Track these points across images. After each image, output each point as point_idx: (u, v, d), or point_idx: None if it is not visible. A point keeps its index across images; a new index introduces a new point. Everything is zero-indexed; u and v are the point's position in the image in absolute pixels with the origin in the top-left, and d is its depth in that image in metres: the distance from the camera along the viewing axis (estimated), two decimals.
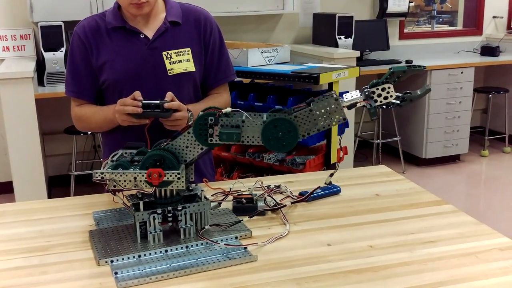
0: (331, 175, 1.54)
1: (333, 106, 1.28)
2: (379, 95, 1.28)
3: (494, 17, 5.78)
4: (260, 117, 1.29)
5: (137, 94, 1.66)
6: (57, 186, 4.45)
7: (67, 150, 4.38)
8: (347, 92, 1.32)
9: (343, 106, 1.29)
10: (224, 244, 1.31)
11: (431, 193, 1.70)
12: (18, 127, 3.60)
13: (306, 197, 1.60)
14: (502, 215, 4.02)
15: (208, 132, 1.29)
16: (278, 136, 1.26)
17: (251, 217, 1.47)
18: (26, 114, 3.60)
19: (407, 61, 4.94)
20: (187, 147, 1.33)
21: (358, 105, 1.30)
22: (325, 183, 1.47)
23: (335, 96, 1.29)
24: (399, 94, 1.30)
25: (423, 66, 1.31)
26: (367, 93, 1.28)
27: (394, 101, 1.29)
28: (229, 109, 1.30)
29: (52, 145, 4.47)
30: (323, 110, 1.28)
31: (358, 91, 1.30)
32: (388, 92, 1.28)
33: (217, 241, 1.33)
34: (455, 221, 1.49)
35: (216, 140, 1.29)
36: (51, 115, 4.28)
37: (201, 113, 1.30)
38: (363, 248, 1.33)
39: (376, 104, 1.29)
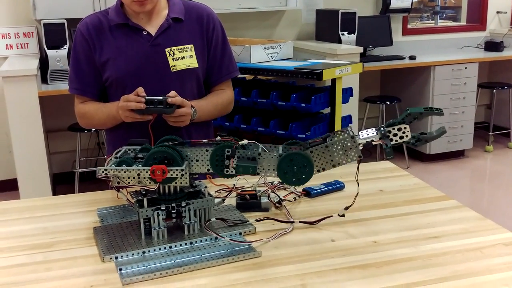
0: (346, 208, 1.53)
1: (349, 144, 1.29)
2: (395, 135, 1.29)
3: (498, 12, 5.75)
4: (276, 150, 1.31)
5: (140, 90, 1.66)
6: (61, 183, 4.46)
7: (71, 147, 4.40)
8: (364, 130, 1.32)
9: (359, 144, 1.29)
10: (230, 240, 1.31)
11: (435, 188, 1.70)
12: (22, 125, 3.61)
13: (317, 221, 1.55)
14: (507, 210, 4.01)
15: (225, 163, 1.30)
16: (294, 170, 1.27)
17: (258, 221, 1.46)
18: (30, 111, 3.61)
19: (410, 57, 4.92)
20: (197, 160, 1.33)
21: (374, 143, 1.30)
22: (338, 215, 1.48)
23: (351, 133, 1.29)
24: (415, 134, 1.31)
25: (441, 110, 1.30)
26: (383, 132, 1.29)
27: (409, 140, 1.30)
28: (246, 141, 1.32)
29: (56, 142, 4.48)
30: (339, 147, 1.29)
31: (374, 129, 1.31)
32: (404, 132, 1.29)
33: (222, 236, 1.33)
34: (459, 217, 1.48)
35: (232, 171, 1.30)
36: (55, 113, 4.29)
37: (217, 145, 1.31)
38: (367, 244, 1.33)
39: (392, 143, 1.29)
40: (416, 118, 1.28)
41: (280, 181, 1.70)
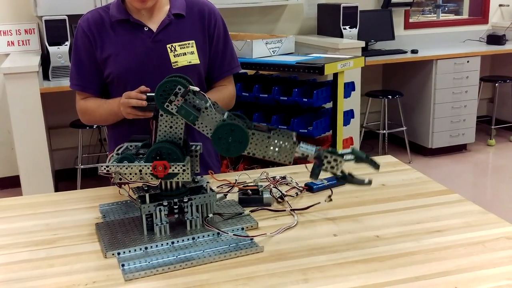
0: (329, 197, 1.58)
1: (288, 146, 1.30)
2: (329, 162, 1.31)
3: (500, 5, 5.73)
4: (221, 113, 1.30)
5: (143, 87, 1.66)
6: (63, 180, 4.47)
7: (73, 144, 4.40)
8: (305, 144, 1.34)
9: (296, 152, 1.30)
10: (233, 235, 1.32)
11: (437, 182, 1.69)
12: (24, 122, 3.61)
13: (308, 207, 1.58)
14: (509, 204, 4.01)
15: (170, 98, 1.28)
16: (228, 140, 1.27)
17: (252, 211, 1.47)
18: (32, 108, 3.61)
19: (412, 51, 4.91)
20: (170, 127, 1.32)
21: (308, 159, 1.32)
22: (325, 201, 1.52)
23: (294, 139, 1.31)
24: (344, 172, 1.33)
25: (378, 165, 1.34)
26: (320, 154, 1.31)
27: (337, 173, 1.32)
28: (197, 88, 1.30)
29: (58, 139, 4.48)
30: (278, 144, 1.30)
31: (315, 147, 1.33)
32: (337, 165, 1.31)
33: (224, 231, 1.33)
34: (461, 210, 1.48)
35: (172, 109, 1.28)
36: (56, 109, 4.29)
37: (170, 77, 1.30)
38: (370, 238, 1.33)
39: (322, 167, 1.31)
40: (355, 159, 1.31)
41: (282, 175, 1.71)
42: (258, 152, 1.30)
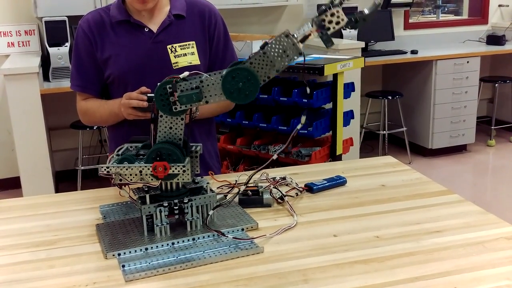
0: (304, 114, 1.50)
1: (285, 44, 1.26)
2: (330, 22, 1.25)
3: (499, 5, 5.73)
4: (220, 74, 1.28)
5: (143, 88, 1.66)
6: (64, 181, 4.47)
7: (73, 145, 4.40)
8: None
9: (297, 41, 1.27)
10: (232, 238, 1.32)
11: (437, 183, 1.70)
12: (24, 123, 3.62)
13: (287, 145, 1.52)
14: (509, 204, 4.01)
15: (170, 100, 1.28)
16: (239, 86, 1.25)
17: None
18: (32, 109, 3.62)
19: (412, 51, 4.91)
20: (170, 128, 1.33)
21: (312, 36, 1.26)
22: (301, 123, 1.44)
23: (286, 33, 1.26)
24: (351, 16, 1.26)
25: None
26: (317, 22, 1.25)
27: (347, 24, 1.25)
28: (186, 73, 1.29)
29: (59, 140, 4.49)
30: (276, 49, 1.26)
31: (309, 22, 1.26)
32: (338, 17, 1.24)
33: (224, 233, 1.33)
34: (461, 211, 1.48)
35: (179, 107, 1.28)
36: (57, 110, 4.30)
37: (159, 85, 1.30)
38: (369, 239, 1.33)
39: (330, 31, 1.25)
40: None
41: (282, 176, 1.71)
42: (270, 72, 1.26)
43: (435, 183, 1.70)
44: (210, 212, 1.37)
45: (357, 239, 1.33)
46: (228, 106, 1.95)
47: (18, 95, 3.58)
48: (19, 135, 3.63)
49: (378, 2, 1.27)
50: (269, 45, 1.26)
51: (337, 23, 1.24)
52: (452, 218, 1.44)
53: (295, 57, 1.26)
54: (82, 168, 4.17)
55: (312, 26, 1.25)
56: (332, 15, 1.24)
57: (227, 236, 1.32)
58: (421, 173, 1.79)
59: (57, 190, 4.09)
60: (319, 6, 1.14)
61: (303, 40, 1.27)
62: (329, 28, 1.25)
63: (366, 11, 1.26)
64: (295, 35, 1.26)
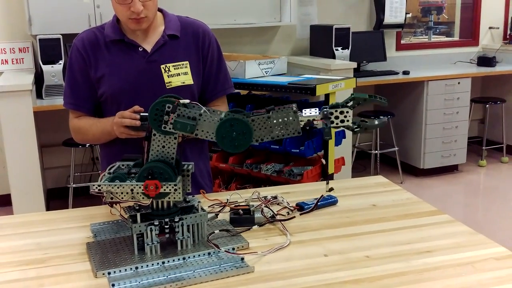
0: (329, 188, 1.56)
1: (291, 118, 1.30)
2: (337, 117, 1.31)
3: (490, 27, 5.82)
4: (218, 114, 1.31)
5: (136, 107, 1.67)
6: (55, 199, 4.45)
7: (65, 162, 4.39)
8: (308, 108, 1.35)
9: (300, 121, 1.31)
10: (225, 251, 1.32)
11: (427, 203, 1.71)
12: (16, 140, 3.61)
13: (316, 205, 1.57)
14: (500, 225, 4.02)
15: (164, 118, 1.29)
16: (232, 135, 1.27)
17: (261, 225, 1.48)
18: (25, 126, 3.61)
19: (404, 72, 4.96)
20: (163, 147, 1.33)
21: (315, 123, 1.32)
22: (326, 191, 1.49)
23: (294, 109, 1.31)
24: (355, 121, 1.33)
25: (385, 100, 1.35)
26: (325, 113, 1.31)
27: (349, 125, 1.32)
28: (187, 100, 1.31)
29: (51, 157, 4.47)
30: (280, 120, 1.30)
31: (317, 109, 1.32)
32: (345, 116, 1.31)
33: (215, 251, 1.33)
34: (451, 231, 1.49)
35: (169, 128, 1.29)
36: (49, 128, 4.29)
37: (158, 99, 1.31)
38: (360, 259, 1.33)
39: (332, 125, 1.31)
40: (360, 103, 1.31)
41: (274, 195, 1.72)
42: (265, 136, 1.29)
43: (425, 203, 1.71)
44: (216, 231, 1.37)
45: (348, 258, 1.34)
46: None
47: (11, 112, 3.57)
48: (11, 152, 3.61)
49: (385, 120, 1.33)
50: (275, 112, 1.30)
51: (342, 121, 1.31)
52: (442, 238, 1.45)
53: (293, 134, 1.31)
54: (74, 185, 4.15)
55: (319, 113, 1.31)
56: (342, 113, 1.31)
57: (220, 249, 1.32)
58: (412, 193, 1.80)
59: (48, 208, 4.06)
60: (333, 106, 1.21)
61: (306, 123, 1.32)
62: (333, 122, 1.31)
63: (375, 122, 1.34)
64: (302, 114, 1.30)
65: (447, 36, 6.49)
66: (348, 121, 1.31)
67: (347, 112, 1.30)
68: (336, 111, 1.30)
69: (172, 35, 1.85)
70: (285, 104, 1.32)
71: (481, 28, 5.80)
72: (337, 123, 1.31)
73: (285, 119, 1.29)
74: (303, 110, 1.32)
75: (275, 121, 1.29)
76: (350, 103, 1.31)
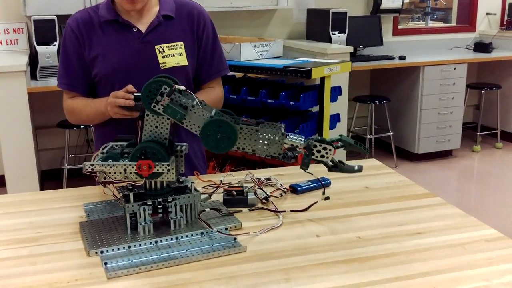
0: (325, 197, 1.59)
1: (277, 138, 1.32)
2: (319, 151, 1.33)
3: (487, 14, 5.80)
4: (209, 111, 1.31)
5: (130, 87, 1.66)
6: (49, 180, 4.45)
7: (59, 144, 4.38)
8: (293, 134, 1.37)
9: (285, 143, 1.32)
10: (217, 231, 1.33)
11: (420, 186, 1.71)
12: (10, 121, 3.59)
13: (307, 208, 1.58)
14: (493, 209, 4.05)
15: (156, 98, 1.29)
16: (217, 136, 1.28)
17: (251, 210, 1.49)
18: (19, 108, 3.59)
19: (400, 57, 4.95)
20: (156, 127, 1.33)
21: (298, 149, 1.34)
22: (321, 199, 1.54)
23: (283, 130, 1.33)
24: (335, 160, 1.35)
25: (367, 149, 1.38)
26: (310, 143, 1.33)
27: (327, 162, 1.34)
28: (183, 87, 1.31)
29: (45, 139, 4.46)
30: (266, 137, 1.32)
31: (303, 137, 1.35)
32: (327, 153, 1.33)
33: (208, 231, 1.34)
34: (443, 213, 1.50)
35: (159, 109, 1.29)
36: (43, 109, 4.28)
37: (156, 78, 1.31)
38: (352, 239, 1.34)
39: (312, 157, 1.33)
40: (344, 146, 1.34)
41: (267, 177, 1.72)
42: (247, 147, 1.31)
43: (418, 186, 1.71)
44: (207, 209, 1.38)
45: (339, 239, 1.34)
46: (216, 107, 1.95)
47: (5, 93, 3.55)
48: (5, 133, 3.60)
49: (361, 168, 1.38)
50: (265, 128, 1.31)
51: (322, 156, 1.33)
52: (434, 220, 1.46)
53: (273, 154, 1.33)
54: (68, 167, 4.15)
55: (303, 142, 1.33)
56: (324, 149, 1.33)
57: (213, 229, 1.33)
58: (404, 176, 1.81)
59: (42, 189, 4.05)
60: (319, 140, 1.23)
61: (289, 148, 1.34)
62: (313, 154, 1.33)
63: (354, 168, 1.37)
64: (288, 139, 1.32)
65: (444, 22, 6.47)
66: (328, 158, 1.33)
67: (330, 150, 1.32)
68: (320, 145, 1.33)
69: (166, 15, 1.83)
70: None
71: (478, 14, 5.78)
72: (316, 156, 1.33)
73: (272, 137, 1.31)
74: (289, 135, 1.34)
75: (261, 136, 1.31)
76: (337, 144, 1.33)
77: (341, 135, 1.35)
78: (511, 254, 1.26)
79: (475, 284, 1.13)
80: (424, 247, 1.30)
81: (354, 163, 1.96)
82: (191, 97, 1.32)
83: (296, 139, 1.33)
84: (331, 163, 1.34)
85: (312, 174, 1.44)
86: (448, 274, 1.17)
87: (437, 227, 1.41)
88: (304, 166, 1.33)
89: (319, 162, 1.34)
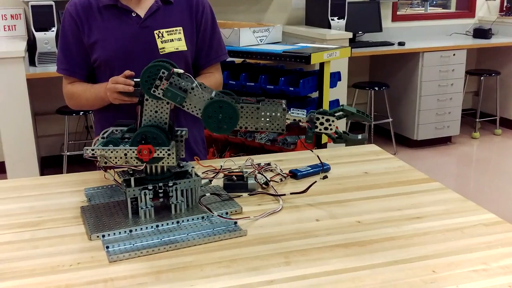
0: (324, 175, 1.60)
1: (278, 114, 1.32)
2: (322, 123, 1.33)
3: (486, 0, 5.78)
4: (209, 93, 1.31)
5: (129, 72, 1.66)
6: (49, 167, 4.45)
7: (59, 130, 4.38)
8: (297, 109, 1.36)
9: (287, 119, 1.32)
10: (218, 215, 1.34)
11: (419, 171, 1.72)
12: (9, 108, 3.59)
13: (305, 190, 1.59)
14: (491, 195, 4.07)
15: (155, 83, 1.29)
16: (219, 117, 1.28)
17: (251, 194, 1.49)
18: (18, 94, 3.59)
19: (399, 43, 4.94)
20: (156, 112, 1.34)
21: (301, 124, 1.34)
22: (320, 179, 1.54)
23: (284, 106, 1.33)
24: (338, 131, 1.35)
25: (370, 117, 1.38)
26: (312, 116, 1.33)
27: (331, 134, 1.34)
28: (181, 70, 1.31)
29: (44, 125, 4.46)
30: (268, 113, 1.32)
31: (305, 111, 1.34)
32: (330, 124, 1.33)
33: (209, 215, 1.35)
34: (442, 198, 1.51)
35: (158, 94, 1.29)
36: (43, 96, 4.27)
37: (153, 62, 1.31)
38: (351, 224, 1.35)
39: (315, 130, 1.33)
40: (347, 116, 1.34)
41: (267, 162, 1.73)
42: (250, 125, 1.31)
43: (417, 171, 1.72)
44: (207, 194, 1.38)
45: (339, 223, 1.35)
46: (217, 88, 1.96)
47: (4, 79, 3.55)
48: (4, 120, 3.60)
49: (365, 138, 1.36)
50: (265, 104, 1.31)
51: (326, 128, 1.32)
52: (433, 205, 1.47)
53: (276, 131, 1.32)
54: (68, 153, 4.15)
55: (306, 115, 1.32)
56: (327, 120, 1.32)
57: (213, 213, 1.34)
58: (403, 161, 1.82)
59: (42, 176, 4.06)
60: (321, 112, 1.23)
61: (292, 122, 1.33)
62: (316, 127, 1.32)
63: (358, 137, 1.35)
64: (291, 113, 1.32)
65: (444, 8, 6.45)
66: (331, 129, 1.33)
67: (333, 121, 1.32)
68: (322, 117, 1.32)
69: (166, 0, 1.83)
70: (278, 97, 1.33)
71: (478, 0, 5.76)
72: (320, 129, 1.33)
73: (273, 114, 1.31)
74: (291, 109, 1.34)
75: (263, 113, 1.32)
76: (338, 114, 1.33)
77: (342, 105, 1.34)
78: (509, 238, 1.27)
79: (473, 268, 1.15)
80: (423, 231, 1.31)
81: (354, 147, 1.98)
82: (190, 80, 1.32)
83: (298, 113, 1.32)
84: (335, 135, 1.34)
85: (312, 151, 1.43)
86: (446, 257, 1.18)
87: (436, 211, 1.42)
88: (309, 140, 1.32)
89: (323, 133, 1.33)
